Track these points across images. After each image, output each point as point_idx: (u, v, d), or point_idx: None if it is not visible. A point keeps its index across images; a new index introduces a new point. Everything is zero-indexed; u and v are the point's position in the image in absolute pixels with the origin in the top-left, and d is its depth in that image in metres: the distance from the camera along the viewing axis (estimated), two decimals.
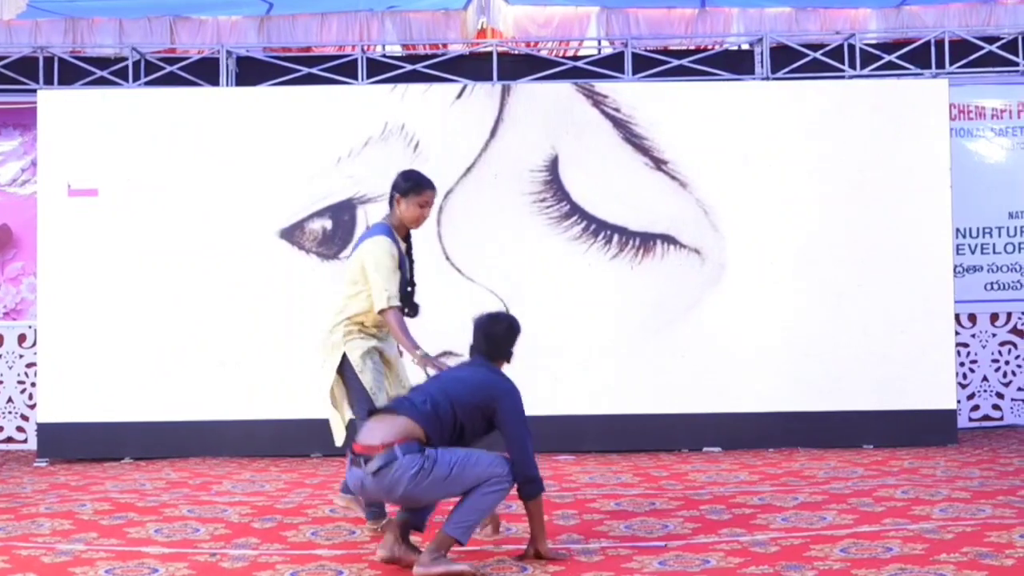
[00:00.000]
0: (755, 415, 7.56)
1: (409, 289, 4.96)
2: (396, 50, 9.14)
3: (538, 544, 4.32)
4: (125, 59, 8.46)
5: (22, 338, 8.52)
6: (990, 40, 8.60)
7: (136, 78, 8.44)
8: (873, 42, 8.90)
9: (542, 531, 4.34)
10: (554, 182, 7.64)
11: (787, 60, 8.48)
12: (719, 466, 6.79)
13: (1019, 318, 8.64)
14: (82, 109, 7.71)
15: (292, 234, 7.61)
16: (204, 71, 8.43)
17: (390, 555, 4.28)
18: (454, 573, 4.07)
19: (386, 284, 4.77)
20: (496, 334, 4.45)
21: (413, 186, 4.90)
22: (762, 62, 8.37)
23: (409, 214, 4.91)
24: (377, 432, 4.14)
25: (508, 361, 4.50)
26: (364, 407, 4.71)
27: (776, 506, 5.36)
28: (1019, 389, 8.62)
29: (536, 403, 7.57)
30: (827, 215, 7.64)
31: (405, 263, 4.93)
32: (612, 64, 8.49)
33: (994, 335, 8.64)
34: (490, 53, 8.42)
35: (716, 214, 7.63)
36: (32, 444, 8.18)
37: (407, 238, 5.01)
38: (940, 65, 8.50)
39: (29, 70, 8.47)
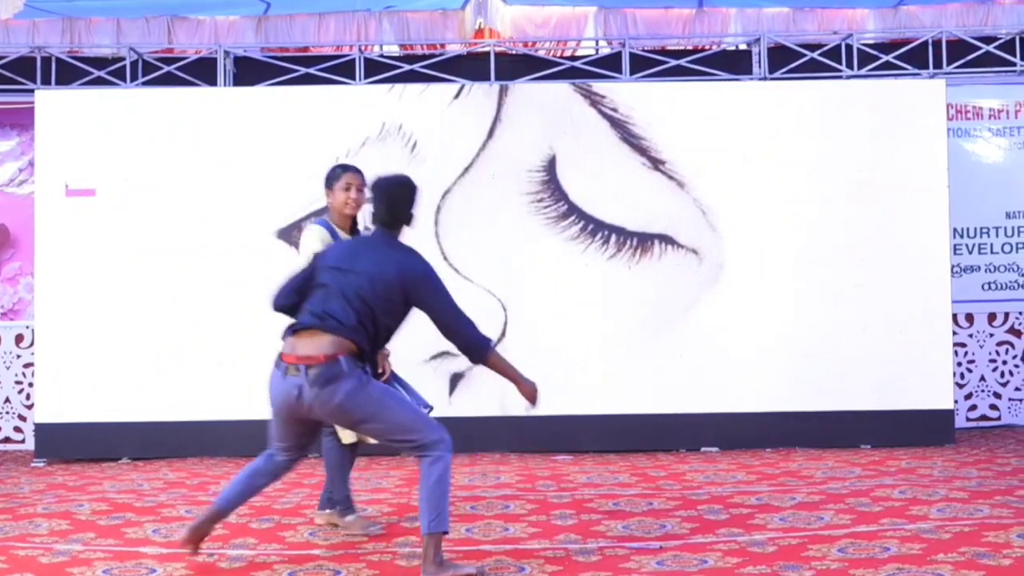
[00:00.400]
0: (753, 415, 7.57)
1: None
2: (394, 50, 9.14)
3: (519, 386, 4.29)
4: (123, 59, 8.46)
5: (19, 338, 8.51)
6: (987, 40, 8.60)
7: (134, 78, 8.43)
8: (871, 42, 8.90)
9: (516, 374, 4.29)
10: (552, 182, 7.64)
11: (785, 60, 8.48)
12: (717, 466, 6.80)
13: (1016, 318, 8.65)
14: (80, 109, 7.71)
15: (290, 234, 7.59)
16: (202, 71, 8.43)
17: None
18: (462, 575, 4.07)
19: (313, 250, 4.78)
20: (401, 198, 4.34)
21: (336, 174, 5.08)
22: (760, 62, 8.38)
23: (336, 200, 5.04)
24: (311, 346, 4.10)
25: (410, 224, 4.41)
26: None
27: (774, 506, 5.37)
28: (1016, 389, 8.63)
29: None
30: (825, 215, 7.65)
31: None
32: (610, 64, 8.50)
33: (991, 335, 8.65)
34: (488, 53, 8.42)
35: (714, 214, 7.63)
36: (30, 444, 8.18)
37: (353, 231, 5.08)
38: (937, 65, 8.51)
39: (27, 70, 8.47)
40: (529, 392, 4.29)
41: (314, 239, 4.92)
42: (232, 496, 4.39)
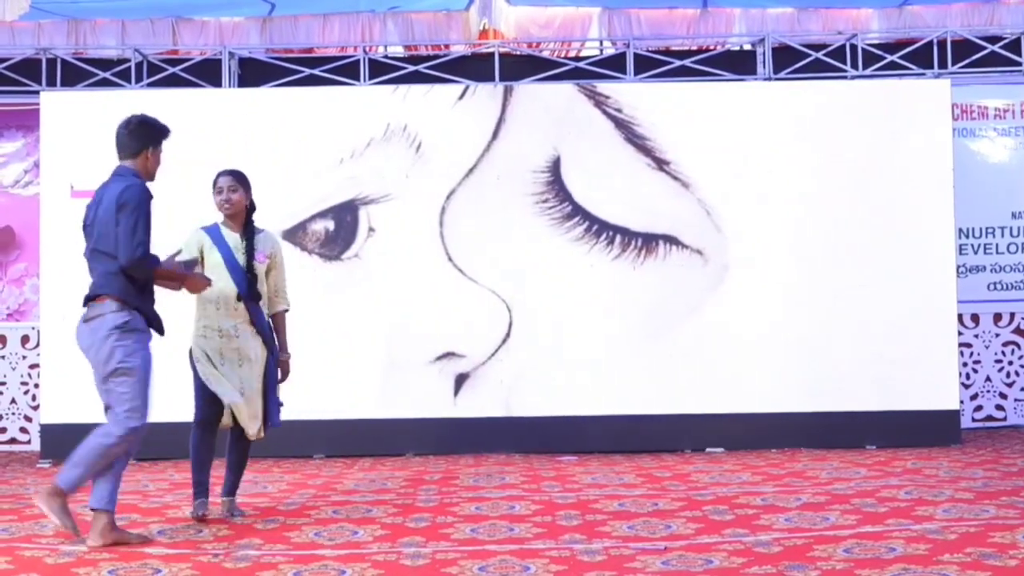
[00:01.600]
0: (758, 416, 7.56)
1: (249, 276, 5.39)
2: (398, 51, 9.15)
3: (186, 282, 5.04)
4: (127, 60, 8.47)
5: (25, 339, 8.52)
6: (992, 40, 8.59)
7: (138, 79, 8.44)
8: (875, 42, 8.89)
9: (180, 274, 4.97)
10: (556, 183, 7.65)
11: (789, 60, 8.48)
12: (722, 467, 6.79)
13: (1022, 318, 8.63)
14: (85, 110, 7.72)
15: (295, 235, 7.61)
16: (206, 72, 8.44)
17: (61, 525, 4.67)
18: (125, 541, 4.60)
19: (180, 256, 5.24)
20: (130, 130, 4.81)
21: (214, 180, 5.43)
22: (764, 62, 8.37)
23: (215, 204, 5.41)
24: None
25: (152, 152, 4.85)
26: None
27: (779, 506, 5.36)
28: (1022, 389, 8.61)
29: (539, 404, 7.65)
30: (829, 216, 7.64)
31: (229, 252, 5.34)
32: (614, 65, 8.50)
33: (997, 335, 8.63)
34: (492, 54, 8.42)
35: (718, 215, 7.63)
36: (35, 445, 8.19)
37: (246, 230, 5.40)
38: (942, 65, 8.50)
39: (32, 71, 8.48)
40: (195, 284, 5.04)
41: (184, 243, 5.39)
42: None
